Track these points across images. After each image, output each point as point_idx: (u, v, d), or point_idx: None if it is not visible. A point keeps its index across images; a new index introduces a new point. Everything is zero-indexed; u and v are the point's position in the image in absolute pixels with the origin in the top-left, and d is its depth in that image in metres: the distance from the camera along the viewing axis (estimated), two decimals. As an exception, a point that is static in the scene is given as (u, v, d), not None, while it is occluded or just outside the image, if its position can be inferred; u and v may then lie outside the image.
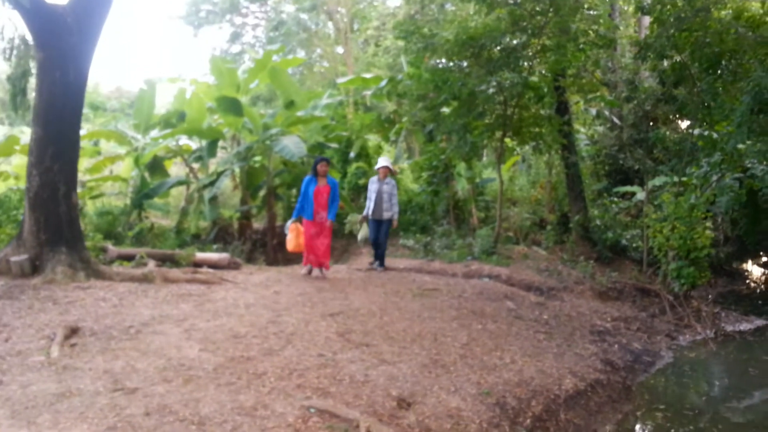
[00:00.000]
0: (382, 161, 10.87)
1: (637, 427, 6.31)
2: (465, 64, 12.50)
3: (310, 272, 9.65)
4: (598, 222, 13.87)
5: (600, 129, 17.40)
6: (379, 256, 10.83)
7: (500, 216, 13.10)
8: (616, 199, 15.55)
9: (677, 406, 6.77)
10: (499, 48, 11.84)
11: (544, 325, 8.19)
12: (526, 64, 12.16)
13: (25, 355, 5.46)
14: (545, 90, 12.42)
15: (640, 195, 14.32)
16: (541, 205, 16.69)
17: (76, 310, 7.06)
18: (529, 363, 6.48)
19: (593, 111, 17.20)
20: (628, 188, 15.73)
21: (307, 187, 9.49)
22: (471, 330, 7.26)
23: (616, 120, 16.43)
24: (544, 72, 12.66)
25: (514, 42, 11.83)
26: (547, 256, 12.83)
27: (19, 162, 15.31)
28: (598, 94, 15.03)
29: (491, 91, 12.04)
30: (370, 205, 10.62)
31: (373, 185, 10.69)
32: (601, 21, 12.25)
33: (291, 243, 9.51)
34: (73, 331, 6.19)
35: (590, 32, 11.83)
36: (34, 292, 7.73)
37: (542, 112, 12.87)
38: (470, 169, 15.73)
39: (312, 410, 4.52)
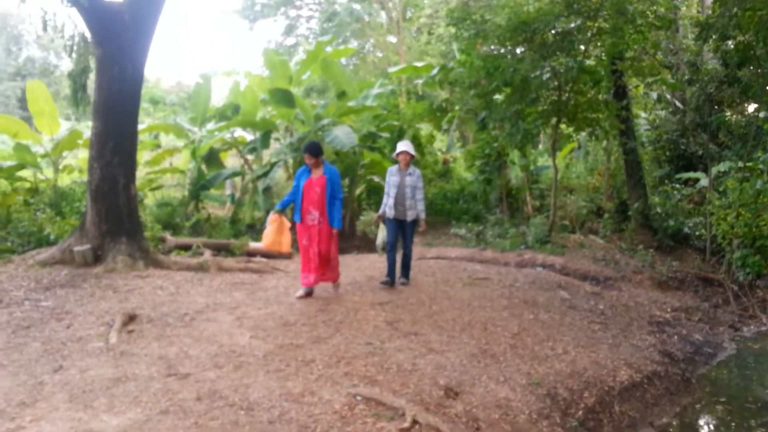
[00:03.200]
0: (402, 146, 8.44)
1: (697, 420, 6.10)
2: (518, 49, 12.26)
3: (307, 294, 7.50)
4: (659, 209, 13.46)
5: (661, 113, 16.83)
6: (404, 265, 8.50)
7: (555, 204, 12.84)
8: (678, 185, 15.04)
9: (740, 399, 6.52)
10: (553, 32, 11.56)
11: (600, 316, 8.00)
12: (581, 47, 11.84)
13: (85, 341, 5.68)
14: (602, 74, 12.08)
15: (704, 181, 13.82)
16: (598, 192, 16.29)
17: (134, 298, 7.31)
18: (583, 354, 6.34)
19: (654, 95, 16.65)
20: (691, 174, 15.19)
21: (299, 179, 7.53)
22: (522, 320, 7.15)
23: (678, 104, 15.87)
24: (600, 55, 12.30)
25: (570, 25, 11.52)
26: (604, 244, 12.53)
27: (84, 156, 15.87)
28: (659, 77, 14.54)
29: (545, 76, 11.78)
30: (388, 201, 8.34)
31: (392, 177, 8.37)
32: (660, 1, 11.79)
33: (267, 237, 7.71)
34: (131, 318, 6.42)
35: (649, 13, 11.42)
36: (96, 280, 8.03)
37: (599, 96, 12.52)
38: (524, 157, 15.46)
39: (358, 398, 4.53)
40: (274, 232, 7.65)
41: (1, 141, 22.81)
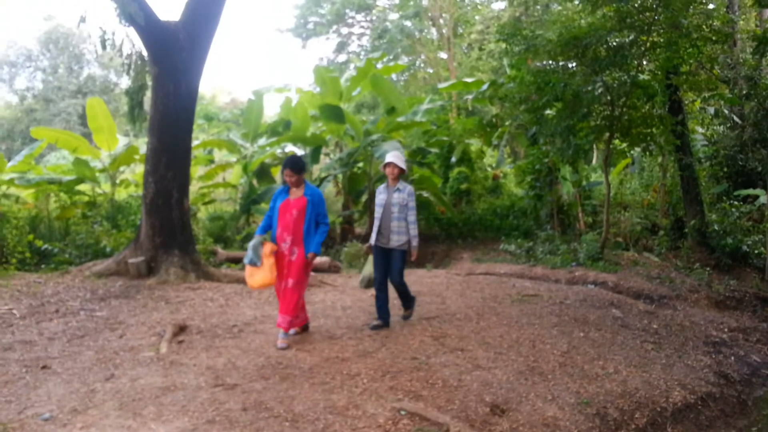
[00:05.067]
0: (390, 157, 6.90)
1: (755, 445, 5.84)
2: (570, 64, 12.09)
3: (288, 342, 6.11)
4: (716, 227, 13.02)
5: (719, 128, 16.33)
6: (402, 297, 7.19)
7: (607, 220, 12.56)
8: (736, 202, 14.54)
9: (802, 425, 6.21)
10: (605, 47, 11.37)
11: (653, 335, 7.76)
12: (634, 62, 11.61)
13: (136, 351, 5.81)
14: (656, 88, 11.81)
15: (763, 198, 13.33)
16: (653, 209, 15.87)
17: (185, 310, 7.46)
18: (634, 374, 6.15)
19: (711, 110, 16.19)
20: (750, 191, 14.67)
21: (275, 200, 6.38)
22: (572, 338, 7.00)
23: (736, 119, 15.38)
24: (654, 70, 12.04)
25: (623, 40, 11.31)
26: (659, 262, 12.19)
27: (140, 170, 16.34)
28: (716, 91, 14.12)
29: (598, 91, 11.59)
30: (375, 224, 6.87)
31: (380, 195, 6.91)
32: (717, 15, 11.47)
33: (259, 276, 6.09)
34: (182, 329, 6.56)
35: (704, 27, 11.12)
36: (149, 291, 8.24)
37: (653, 111, 12.24)
38: (576, 173, 15.22)
39: (403, 412, 4.50)
40: (270, 270, 6.09)
41: (61, 156, 23.77)
